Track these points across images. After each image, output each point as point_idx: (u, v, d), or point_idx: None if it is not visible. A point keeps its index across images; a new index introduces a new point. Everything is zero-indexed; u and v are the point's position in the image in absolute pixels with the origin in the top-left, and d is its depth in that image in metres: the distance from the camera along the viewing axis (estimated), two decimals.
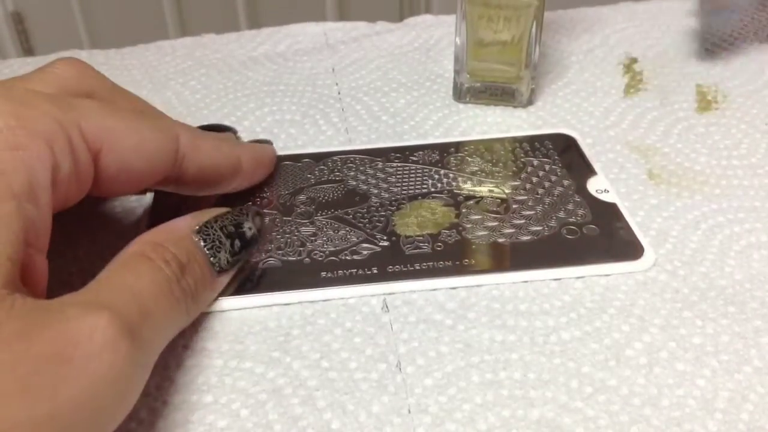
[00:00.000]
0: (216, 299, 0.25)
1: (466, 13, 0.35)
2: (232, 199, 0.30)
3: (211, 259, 0.24)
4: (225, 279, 0.25)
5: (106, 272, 0.22)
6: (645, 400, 0.23)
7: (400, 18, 0.47)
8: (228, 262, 0.25)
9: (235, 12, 0.88)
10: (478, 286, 0.26)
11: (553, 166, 0.32)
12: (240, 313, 0.26)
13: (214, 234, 0.25)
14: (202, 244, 0.24)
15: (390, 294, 0.26)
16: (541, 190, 0.31)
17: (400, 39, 0.44)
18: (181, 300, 0.23)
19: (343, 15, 0.92)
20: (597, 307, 0.26)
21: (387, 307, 0.26)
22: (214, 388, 0.23)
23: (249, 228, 0.26)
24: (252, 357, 0.24)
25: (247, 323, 0.25)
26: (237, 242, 0.25)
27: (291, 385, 0.23)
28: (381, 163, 0.32)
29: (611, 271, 0.27)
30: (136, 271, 0.21)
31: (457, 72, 0.37)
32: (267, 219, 0.29)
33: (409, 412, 0.22)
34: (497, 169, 0.32)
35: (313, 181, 0.31)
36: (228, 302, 0.26)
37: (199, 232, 0.24)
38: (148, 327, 0.21)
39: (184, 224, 0.24)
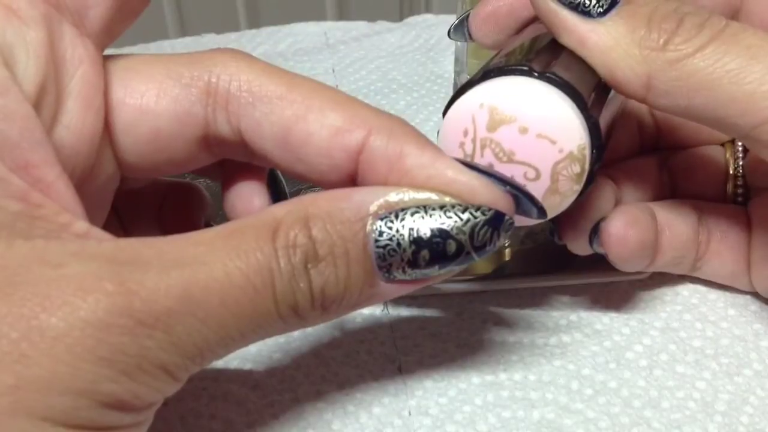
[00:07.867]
0: None
1: None
2: None
3: (379, 262, 0.17)
4: (391, 292, 0.18)
5: (214, 231, 0.16)
6: (645, 402, 0.23)
7: (401, 17, 0.47)
8: (404, 272, 0.17)
9: (235, 12, 0.88)
10: (480, 291, 0.26)
11: None
12: None
13: (395, 233, 0.17)
14: (375, 240, 0.17)
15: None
16: None
17: (401, 39, 0.43)
18: (286, 321, 0.17)
19: (343, 14, 0.92)
20: (597, 309, 0.26)
21: (387, 309, 0.26)
22: (214, 391, 0.23)
23: (458, 242, 0.18)
24: (253, 359, 0.24)
25: None
26: (426, 253, 0.17)
27: (291, 386, 0.23)
28: None
29: (611, 279, 0.27)
30: (238, 262, 0.16)
31: (457, 73, 0.37)
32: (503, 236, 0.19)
33: (410, 414, 0.22)
34: None
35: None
36: None
37: (382, 218, 0.17)
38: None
39: (362, 200, 0.17)
